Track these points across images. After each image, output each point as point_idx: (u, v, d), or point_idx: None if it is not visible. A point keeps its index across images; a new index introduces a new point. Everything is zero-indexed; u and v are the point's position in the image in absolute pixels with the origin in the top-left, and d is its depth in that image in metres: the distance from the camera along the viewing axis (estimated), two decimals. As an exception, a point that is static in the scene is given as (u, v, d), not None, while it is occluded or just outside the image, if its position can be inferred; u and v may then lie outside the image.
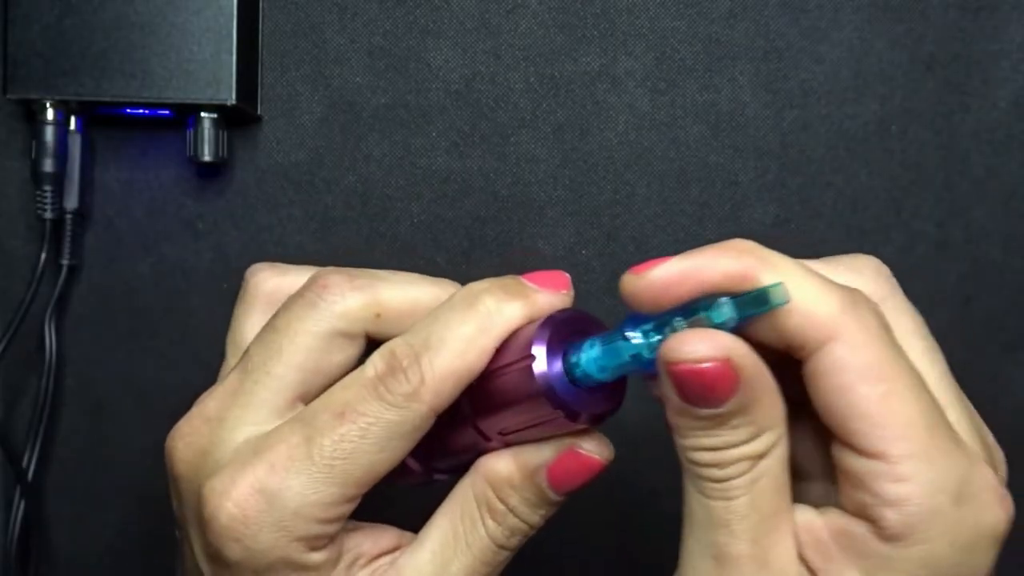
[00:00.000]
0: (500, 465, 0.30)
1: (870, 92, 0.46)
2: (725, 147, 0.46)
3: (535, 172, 0.46)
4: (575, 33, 0.46)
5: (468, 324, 0.28)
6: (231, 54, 0.43)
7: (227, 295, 0.46)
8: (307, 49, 0.46)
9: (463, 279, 0.46)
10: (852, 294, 0.26)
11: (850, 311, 0.25)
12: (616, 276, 0.46)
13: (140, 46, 0.42)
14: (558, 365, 0.28)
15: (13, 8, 0.42)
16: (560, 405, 0.28)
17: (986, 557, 0.25)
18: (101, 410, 0.46)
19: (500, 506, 0.30)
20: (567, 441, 0.29)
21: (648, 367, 0.27)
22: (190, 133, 0.44)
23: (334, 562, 0.29)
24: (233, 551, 0.28)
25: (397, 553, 0.30)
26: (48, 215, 0.44)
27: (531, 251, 0.46)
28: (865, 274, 0.28)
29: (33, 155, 0.44)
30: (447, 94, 0.46)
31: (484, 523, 0.30)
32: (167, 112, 0.44)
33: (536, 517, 0.30)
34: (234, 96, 0.43)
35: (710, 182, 0.46)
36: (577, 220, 0.46)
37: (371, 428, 0.28)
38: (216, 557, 0.29)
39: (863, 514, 0.24)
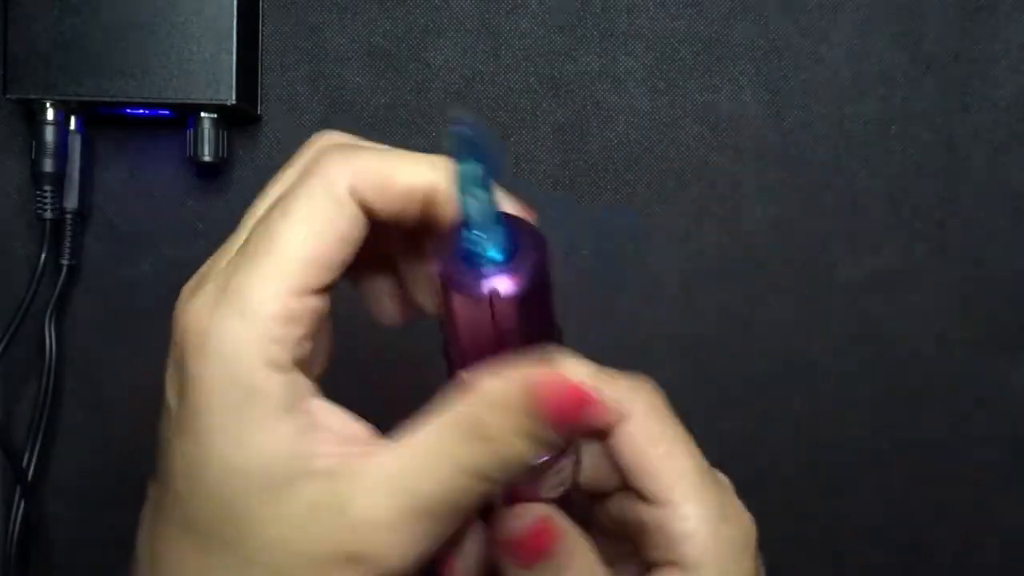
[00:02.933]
0: (496, 384, 0.27)
1: (870, 92, 0.46)
2: (725, 147, 0.46)
3: (535, 172, 0.46)
4: (575, 33, 0.46)
5: None
6: (231, 54, 0.43)
7: (227, 295, 0.46)
8: (307, 49, 0.46)
9: (463, 279, 0.46)
10: (636, 381, 0.32)
11: (635, 394, 0.32)
12: (616, 276, 0.47)
13: (140, 46, 0.42)
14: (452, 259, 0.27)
15: (13, 8, 0.42)
16: (463, 286, 0.26)
17: (753, 561, 0.31)
18: (101, 410, 0.46)
19: (492, 429, 0.27)
20: (553, 365, 0.28)
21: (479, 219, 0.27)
22: (190, 133, 0.44)
23: (287, 406, 0.27)
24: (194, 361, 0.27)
25: (368, 449, 0.27)
26: (48, 215, 0.44)
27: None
28: (644, 386, 0.33)
29: (33, 155, 0.44)
30: (447, 94, 0.46)
31: (470, 444, 0.27)
32: (167, 112, 0.44)
33: (523, 448, 0.27)
34: (234, 96, 0.43)
35: (710, 182, 0.46)
36: (577, 220, 0.46)
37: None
38: (182, 375, 0.27)
39: (666, 560, 0.30)
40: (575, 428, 0.28)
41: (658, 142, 0.46)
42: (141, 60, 0.42)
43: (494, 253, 0.27)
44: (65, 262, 0.45)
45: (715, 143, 0.46)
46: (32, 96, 0.43)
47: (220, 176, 0.46)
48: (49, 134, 0.44)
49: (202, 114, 0.44)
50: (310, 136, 0.46)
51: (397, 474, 0.27)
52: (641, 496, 0.31)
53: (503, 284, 0.27)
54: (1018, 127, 0.46)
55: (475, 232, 0.26)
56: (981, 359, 0.47)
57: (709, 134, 0.46)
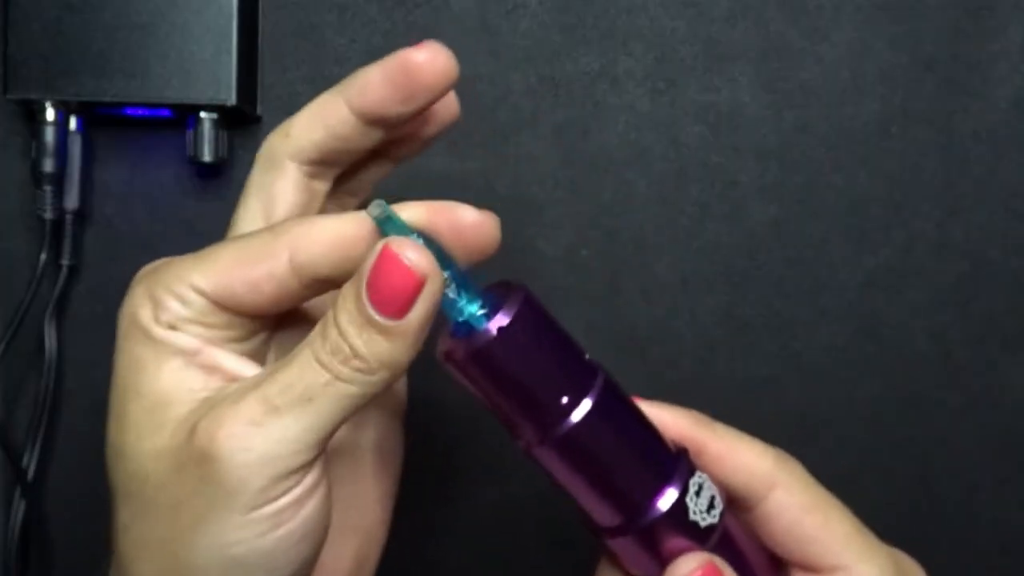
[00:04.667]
0: (344, 287, 0.28)
1: (870, 92, 0.46)
2: (725, 147, 0.46)
3: (535, 172, 0.46)
4: (575, 33, 0.46)
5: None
6: (231, 54, 0.43)
7: (227, 295, 0.46)
8: (307, 49, 0.46)
9: (463, 279, 0.46)
10: (778, 451, 0.33)
11: (782, 464, 0.33)
12: (616, 276, 0.47)
13: (140, 46, 0.42)
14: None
15: (13, 8, 0.42)
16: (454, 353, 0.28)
17: None
18: (101, 410, 0.46)
19: (331, 322, 0.27)
20: (382, 242, 0.27)
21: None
22: (190, 133, 0.44)
23: (183, 353, 0.29)
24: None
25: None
26: (48, 215, 0.44)
27: (531, 251, 0.46)
28: (788, 456, 0.34)
29: (33, 155, 0.44)
30: (447, 94, 0.46)
31: (313, 341, 0.27)
32: (167, 112, 0.44)
33: (361, 342, 0.27)
34: (234, 96, 0.43)
35: (710, 182, 0.46)
36: (577, 220, 0.46)
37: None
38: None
39: None
40: (415, 314, 0.27)
41: (658, 142, 0.46)
42: (141, 60, 0.42)
43: (475, 308, 0.28)
44: (65, 262, 0.45)
45: (715, 143, 0.46)
46: (32, 96, 0.43)
47: (220, 176, 0.46)
48: (49, 134, 0.44)
49: (202, 114, 0.44)
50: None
51: (251, 381, 0.28)
52: (804, 567, 0.32)
53: (504, 314, 0.27)
54: (1018, 127, 0.46)
55: (449, 298, 0.27)
56: (981, 358, 0.47)
57: (709, 134, 0.46)
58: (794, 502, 0.32)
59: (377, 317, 0.27)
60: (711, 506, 0.30)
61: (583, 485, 0.29)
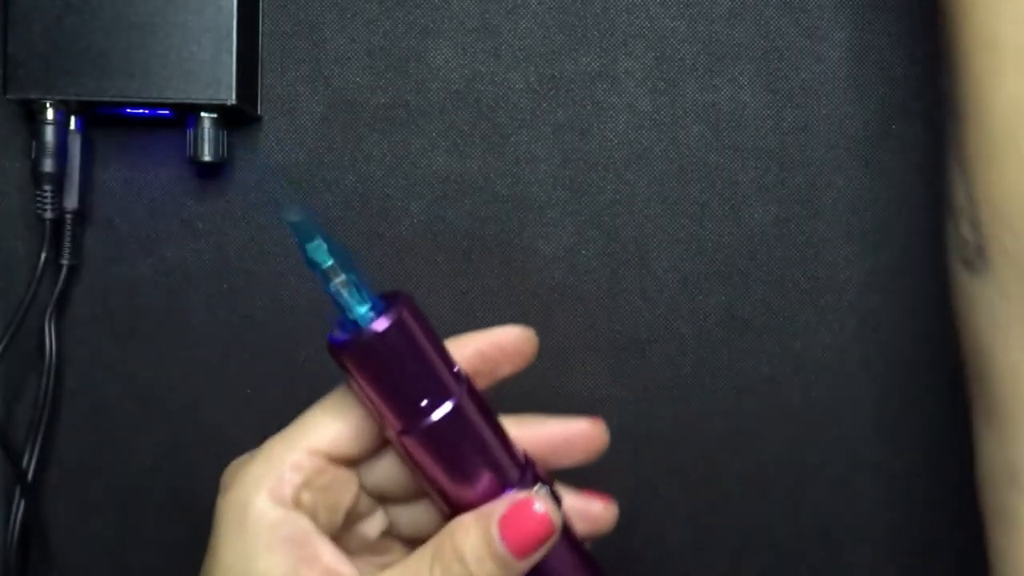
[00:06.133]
0: (463, 517, 0.32)
1: (870, 92, 0.46)
2: (725, 147, 0.46)
3: (535, 172, 0.46)
4: (575, 33, 0.46)
5: None
6: (231, 54, 0.43)
7: (227, 295, 0.46)
8: (307, 49, 0.46)
9: (463, 279, 0.46)
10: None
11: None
12: (616, 276, 0.47)
13: (140, 46, 0.42)
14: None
15: (13, 8, 0.42)
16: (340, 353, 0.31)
17: None
18: (101, 410, 0.46)
19: (450, 551, 0.31)
20: (521, 495, 0.32)
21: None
22: (190, 133, 0.44)
23: (286, 537, 0.31)
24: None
25: None
26: (48, 215, 0.44)
27: (531, 251, 0.46)
28: None
29: (33, 155, 0.44)
30: (447, 94, 0.46)
31: (432, 568, 0.31)
32: (167, 112, 0.44)
33: (483, 573, 0.31)
34: (234, 96, 0.43)
35: (710, 182, 0.46)
36: (577, 220, 0.46)
37: None
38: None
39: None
40: (538, 555, 0.31)
41: (658, 142, 0.46)
42: (141, 60, 0.42)
43: (364, 310, 0.31)
44: (65, 262, 0.45)
45: (715, 143, 0.46)
46: (32, 96, 0.43)
47: (220, 176, 0.46)
48: (49, 134, 0.44)
49: (202, 114, 0.44)
50: (310, 136, 0.47)
51: None
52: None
53: (387, 318, 0.30)
54: (1018, 127, 0.46)
55: (344, 297, 0.30)
56: (981, 359, 0.47)
57: (709, 134, 0.46)
58: None
59: (507, 555, 0.31)
60: None
61: (438, 480, 0.32)
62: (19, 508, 0.45)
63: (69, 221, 0.45)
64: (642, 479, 0.47)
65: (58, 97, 0.43)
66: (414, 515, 0.35)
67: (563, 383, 0.46)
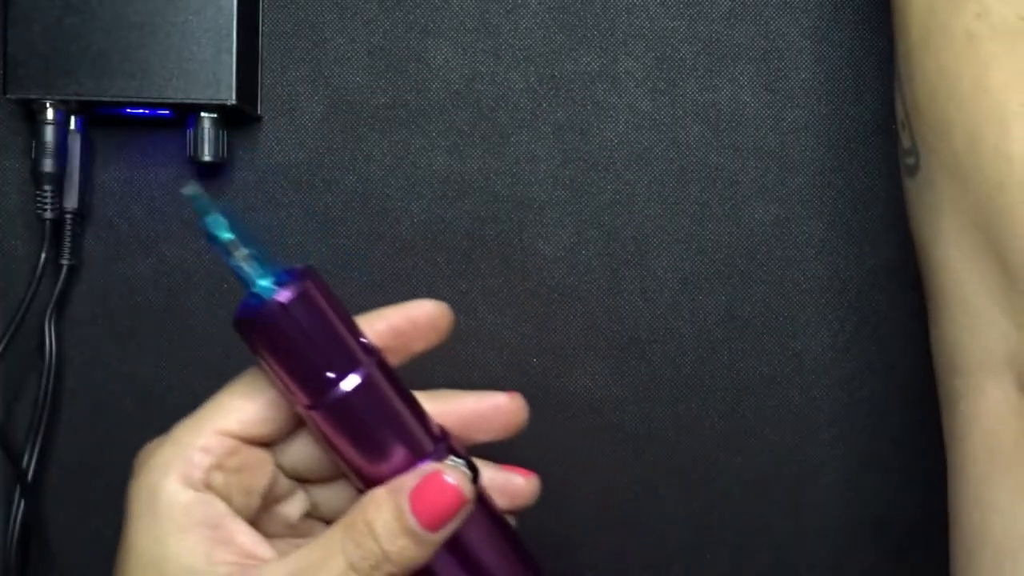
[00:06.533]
0: (374, 491, 0.31)
1: (870, 92, 0.46)
2: (725, 147, 0.46)
3: (535, 172, 0.46)
4: (575, 33, 0.46)
5: None
6: (231, 54, 0.43)
7: (227, 295, 0.46)
8: (307, 49, 0.46)
9: (463, 279, 0.46)
10: None
11: None
12: (616, 276, 0.47)
13: (140, 46, 0.42)
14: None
15: (13, 8, 0.42)
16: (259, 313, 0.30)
17: None
18: (101, 410, 0.46)
19: (361, 526, 0.30)
20: (431, 467, 0.31)
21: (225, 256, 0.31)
22: (190, 133, 0.44)
23: (199, 520, 0.31)
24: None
25: (267, 562, 0.31)
26: (48, 215, 0.44)
27: (531, 251, 0.46)
28: None
29: (33, 155, 0.44)
30: (447, 94, 0.46)
31: (344, 544, 0.30)
32: (167, 112, 0.44)
33: (395, 547, 0.30)
34: (234, 96, 0.43)
35: (710, 182, 0.46)
36: (577, 220, 0.46)
37: None
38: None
39: None
40: (450, 528, 0.31)
41: (658, 142, 0.46)
42: (141, 60, 0.42)
43: (266, 283, 0.30)
44: (65, 262, 0.45)
45: (715, 143, 0.46)
46: (32, 96, 0.43)
47: (220, 176, 0.46)
48: (49, 134, 0.44)
49: (202, 114, 0.44)
50: (310, 136, 0.47)
51: (282, 574, 0.30)
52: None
53: (288, 291, 0.30)
54: (1018, 127, 0.46)
55: (245, 271, 0.30)
56: (981, 359, 0.47)
57: (709, 134, 0.46)
58: None
59: (418, 529, 0.30)
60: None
61: (349, 455, 0.32)
62: (19, 508, 0.45)
63: (69, 221, 0.45)
64: (642, 479, 0.47)
65: (58, 97, 0.43)
66: (335, 495, 0.34)
67: (563, 383, 0.46)
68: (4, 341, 0.43)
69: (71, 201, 0.44)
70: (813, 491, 0.47)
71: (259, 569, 0.30)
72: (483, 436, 0.35)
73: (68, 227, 0.45)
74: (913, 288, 0.47)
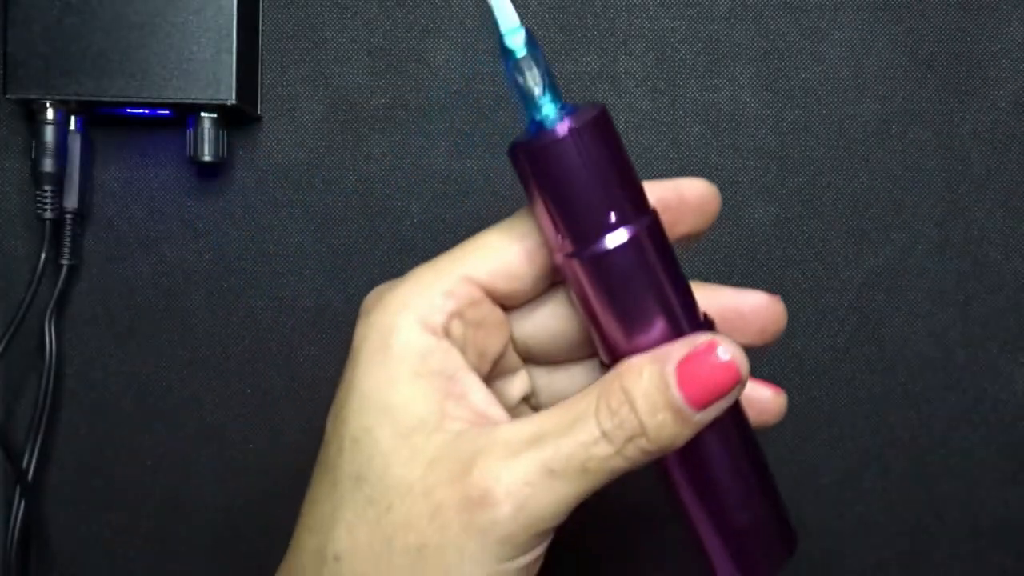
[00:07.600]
0: (635, 358, 0.27)
1: (870, 92, 0.46)
2: (725, 147, 0.46)
3: (535, 172, 0.46)
4: (575, 33, 0.46)
5: None
6: (231, 54, 0.43)
7: (227, 295, 0.46)
8: (307, 49, 0.46)
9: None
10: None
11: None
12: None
13: (140, 46, 0.42)
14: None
15: (13, 8, 0.42)
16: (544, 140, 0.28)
17: None
18: (101, 410, 0.46)
19: (619, 392, 0.27)
20: (705, 337, 0.27)
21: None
22: (190, 133, 0.44)
23: (433, 368, 0.28)
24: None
25: (499, 424, 0.28)
26: (48, 215, 0.44)
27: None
28: None
29: (33, 155, 0.44)
30: (447, 94, 0.46)
31: (598, 410, 0.27)
32: (167, 112, 0.44)
33: (654, 422, 0.27)
34: (234, 96, 0.43)
35: (710, 182, 0.46)
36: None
37: None
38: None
39: None
40: (717, 409, 0.27)
41: (658, 142, 0.46)
42: (141, 60, 0.42)
43: (552, 111, 0.28)
44: (65, 262, 0.45)
45: (715, 143, 0.46)
46: (32, 96, 0.43)
47: (220, 176, 0.46)
48: (49, 134, 0.44)
49: (202, 114, 0.44)
50: (310, 136, 0.47)
51: (525, 436, 0.27)
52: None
53: (575, 120, 0.28)
54: (1018, 127, 0.46)
55: (534, 94, 0.28)
56: (981, 359, 0.47)
57: (709, 134, 0.46)
58: None
59: (683, 404, 0.27)
60: None
61: (604, 317, 0.28)
62: (19, 508, 0.45)
63: (69, 221, 0.45)
64: (642, 478, 0.47)
65: (58, 97, 0.43)
66: (559, 383, 0.32)
67: (563, 383, 0.46)
68: (4, 341, 0.43)
69: (71, 201, 0.44)
70: (814, 491, 0.47)
71: (497, 430, 0.27)
72: (737, 339, 0.30)
73: (68, 227, 0.45)
74: (913, 288, 0.47)
